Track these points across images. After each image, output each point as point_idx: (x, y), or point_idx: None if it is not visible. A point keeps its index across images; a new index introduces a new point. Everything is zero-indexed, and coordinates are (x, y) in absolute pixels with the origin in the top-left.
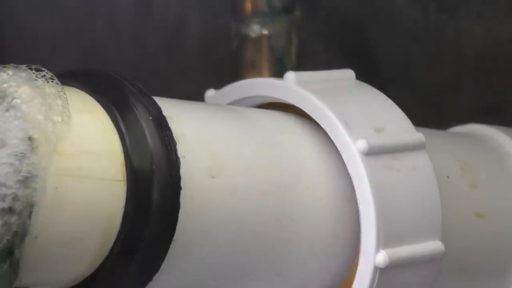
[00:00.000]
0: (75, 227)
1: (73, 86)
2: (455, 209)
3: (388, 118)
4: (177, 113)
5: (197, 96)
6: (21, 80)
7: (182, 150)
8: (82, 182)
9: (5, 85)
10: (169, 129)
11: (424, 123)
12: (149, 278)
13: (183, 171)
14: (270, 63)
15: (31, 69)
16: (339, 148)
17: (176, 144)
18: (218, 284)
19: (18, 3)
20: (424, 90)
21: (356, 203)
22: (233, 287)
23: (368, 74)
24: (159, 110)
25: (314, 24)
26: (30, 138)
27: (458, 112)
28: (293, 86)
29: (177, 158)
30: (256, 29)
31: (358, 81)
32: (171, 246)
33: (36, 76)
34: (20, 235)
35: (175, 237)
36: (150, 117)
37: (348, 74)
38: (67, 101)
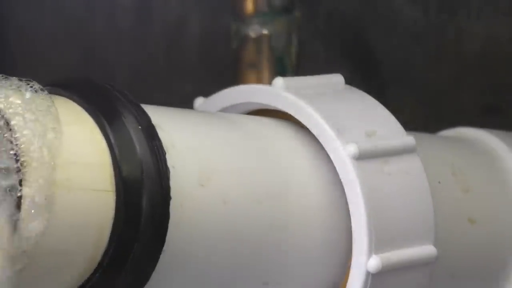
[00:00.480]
0: (64, 239)
1: (62, 95)
2: (447, 214)
3: (378, 122)
4: (166, 122)
5: (197, 96)
6: (11, 92)
7: (171, 159)
8: (71, 193)
9: None
10: (158, 138)
11: (424, 123)
12: None
13: (172, 181)
14: (270, 63)
15: (20, 80)
16: (329, 153)
17: (165, 153)
18: None
19: (18, 3)
20: (424, 90)
21: (348, 209)
22: None
23: (368, 74)
24: (148, 119)
25: (314, 24)
26: (18, 153)
27: (458, 112)
28: (281, 91)
29: (166, 168)
30: (256, 29)
31: (347, 86)
32: (161, 256)
33: (26, 89)
34: None
35: (164, 247)
36: (139, 127)
37: (337, 78)
38: (57, 112)
